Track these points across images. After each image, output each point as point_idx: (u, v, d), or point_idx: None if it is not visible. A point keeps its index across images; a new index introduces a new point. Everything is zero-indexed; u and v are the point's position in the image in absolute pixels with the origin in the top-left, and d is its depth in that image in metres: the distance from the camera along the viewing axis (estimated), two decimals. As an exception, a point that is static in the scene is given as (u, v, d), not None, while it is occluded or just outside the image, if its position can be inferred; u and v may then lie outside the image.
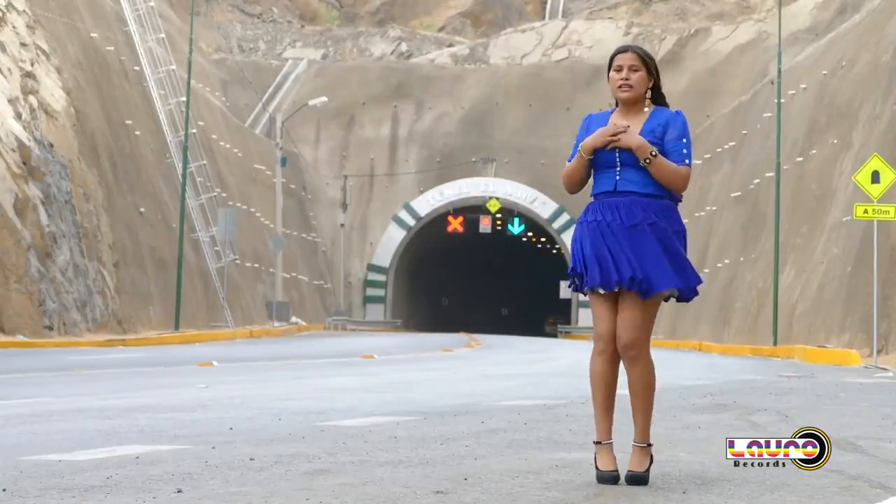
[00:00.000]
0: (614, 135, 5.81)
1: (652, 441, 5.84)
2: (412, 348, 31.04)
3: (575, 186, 5.98)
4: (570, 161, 5.95)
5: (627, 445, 5.85)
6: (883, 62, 32.59)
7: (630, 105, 5.92)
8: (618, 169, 5.85)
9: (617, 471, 5.74)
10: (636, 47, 5.96)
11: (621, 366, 5.85)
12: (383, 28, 75.77)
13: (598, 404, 5.81)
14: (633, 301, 5.76)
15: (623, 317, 5.77)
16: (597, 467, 5.80)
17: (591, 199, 5.95)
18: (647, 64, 5.90)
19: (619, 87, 5.89)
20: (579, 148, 5.88)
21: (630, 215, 5.77)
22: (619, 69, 5.90)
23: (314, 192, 65.12)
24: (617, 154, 5.84)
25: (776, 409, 10.66)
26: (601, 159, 5.86)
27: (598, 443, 5.80)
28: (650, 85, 5.93)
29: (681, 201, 5.95)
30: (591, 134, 5.88)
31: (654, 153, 5.76)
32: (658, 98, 5.97)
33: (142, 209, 38.13)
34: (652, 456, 5.84)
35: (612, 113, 5.98)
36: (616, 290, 5.77)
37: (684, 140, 5.86)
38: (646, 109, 5.92)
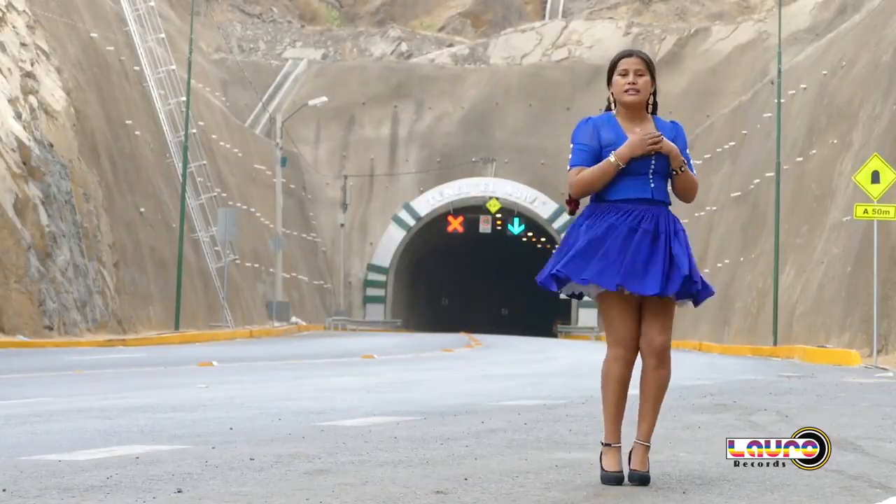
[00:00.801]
0: (653, 142, 5.75)
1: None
2: (412, 348, 31.03)
3: (594, 193, 5.85)
4: (575, 166, 5.82)
5: (627, 446, 5.85)
6: (883, 62, 32.59)
7: (635, 110, 5.89)
8: (651, 177, 5.82)
9: (622, 472, 5.74)
10: (640, 52, 5.95)
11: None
12: (383, 28, 75.78)
13: (610, 408, 5.79)
14: (661, 305, 5.77)
15: (655, 322, 5.76)
16: (602, 468, 5.79)
17: (604, 203, 5.82)
18: (651, 69, 5.91)
19: (626, 90, 5.86)
20: (614, 157, 5.75)
21: (665, 225, 5.79)
22: (625, 73, 5.86)
23: (314, 192, 65.13)
24: (653, 161, 5.80)
25: (776, 409, 10.66)
26: (633, 166, 5.79)
27: (606, 444, 5.79)
28: (652, 90, 5.93)
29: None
30: (605, 139, 5.80)
31: (685, 162, 5.81)
32: (653, 105, 5.97)
33: (142, 209, 38.13)
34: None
35: (611, 116, 5.91)
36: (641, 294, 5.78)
37: (688, 151, 5.96)
38: (649, 115, 5.94)
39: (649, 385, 5.77)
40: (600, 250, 5.74)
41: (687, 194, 5.89)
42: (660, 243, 5.75)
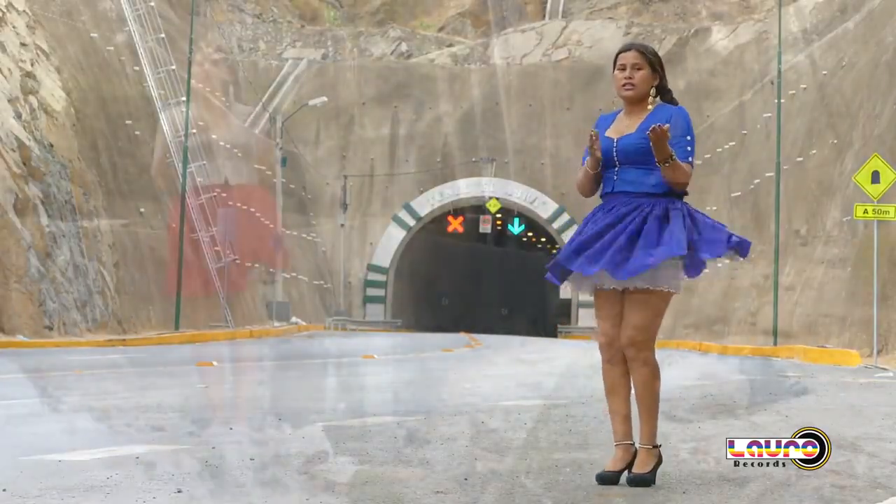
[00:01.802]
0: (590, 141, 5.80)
1: (660, 442, 5.83)
2: (412, 348, 31.01)
3: (587, 193, 5.99)
4: (583, 165, 5.97)
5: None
6: (883, 62, 32.58)
7: (634, 103, 5.89)
8: (616, 169, 5.84)
9: (614, 471, 5.74)
10: (639, 45, 5.92)
11: None
12: (383, 28, 75.76)
13: (612, 410, 5.84)
14: (634, 301, 5.75)
15: (627, 317, 5.77)
16: None
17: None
18: (651, 62, 5.87)
19: (623, 85, 5.86)
20: (586, 163, 5.87)
21: (618, 213, 5.77)
22: (623, 68, 5.86)
23: (314, 192, 65.11)
24: (615, 153, 5.82)
25: (776, 409, 10.65)
26: (604, 161, 5.87)
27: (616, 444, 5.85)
28: (655, 83, 5.90)
29: (686, 195, 5.96)
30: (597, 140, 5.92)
31: (670, 157, 5.72)
32: (665, 95, 5.94)
33: (142, 209, 38.12)
34: (661, 456, 5.83)
35: (619, 112, 5.97)
36: (607, 287, 5.78)
37: (688, 137, 5.83)
38: (649, 107, 5.90)
39: (633, 385, 5.79)
40: (577, 242, 5.83)
41: (673, 185, 5.83)
42: (613, 231, 5.74)
